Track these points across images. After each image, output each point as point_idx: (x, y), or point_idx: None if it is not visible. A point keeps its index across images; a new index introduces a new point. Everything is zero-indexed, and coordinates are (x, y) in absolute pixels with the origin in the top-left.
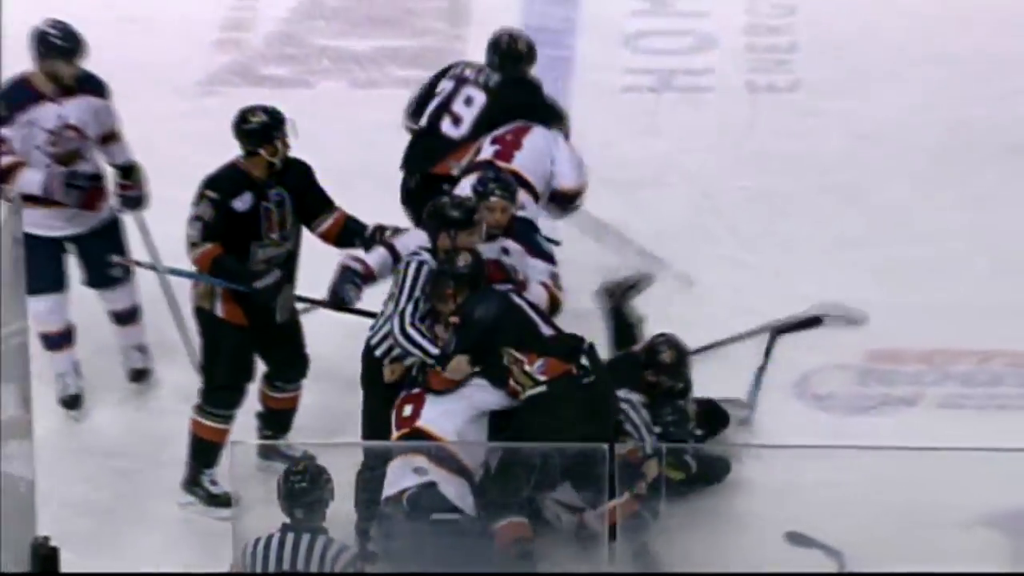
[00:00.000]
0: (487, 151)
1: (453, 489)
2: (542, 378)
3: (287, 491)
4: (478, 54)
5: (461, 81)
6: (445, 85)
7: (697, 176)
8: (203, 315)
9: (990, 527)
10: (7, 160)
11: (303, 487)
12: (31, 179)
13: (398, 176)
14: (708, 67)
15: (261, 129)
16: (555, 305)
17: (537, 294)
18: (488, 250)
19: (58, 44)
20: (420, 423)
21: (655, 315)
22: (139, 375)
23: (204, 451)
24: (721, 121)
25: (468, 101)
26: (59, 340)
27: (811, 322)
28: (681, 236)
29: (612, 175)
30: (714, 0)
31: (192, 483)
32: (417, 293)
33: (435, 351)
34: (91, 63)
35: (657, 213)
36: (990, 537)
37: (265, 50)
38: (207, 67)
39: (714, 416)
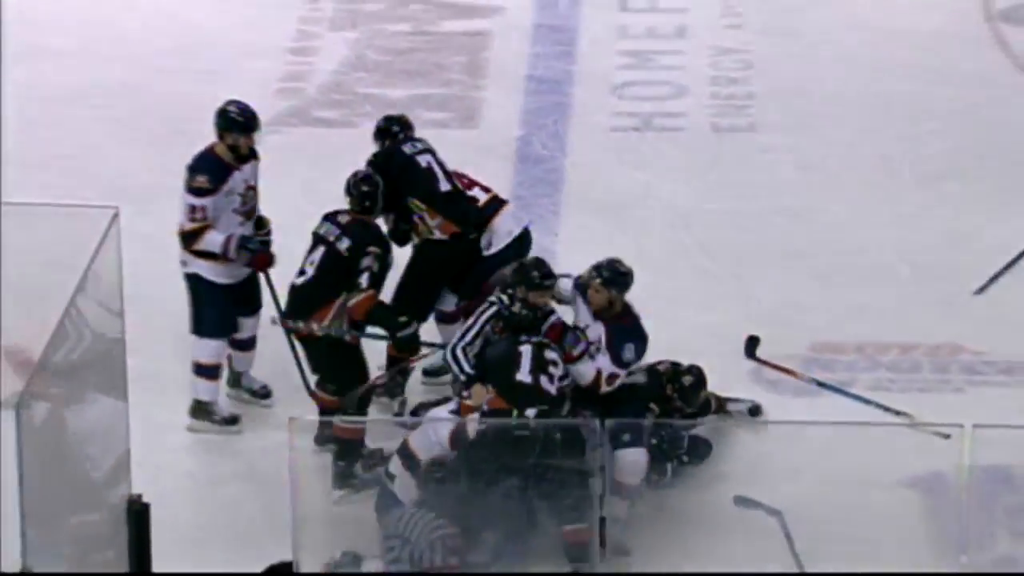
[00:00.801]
0: (481, 195)
1: (401, 484)
2: (485, 407)
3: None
4: (494, 100)
5: (430, 151)
6: (425, 158)
7: (672, 201)
8: (337, 343)
9: (909, 488)
10: (197, 224)
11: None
12: (214, 240)
13: None
14: (681, 111)
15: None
16: (596, 386)
17: (586, 371)
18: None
19: (239, 121)
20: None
21: None
22: (266, 393)
23: (350, 448)
24: (692, 155)
25: (442, 162)
26: (212, 371)
27: None
28: (659, 250)
29: (602, 199)
30: (686, 57)
31: (344, 477)
32: (478, 327)
33: (469, 372)
34: (179, 106)
35: (640, 231)
36: (908, 496)
37: (318, 97)
38: (270, 110)
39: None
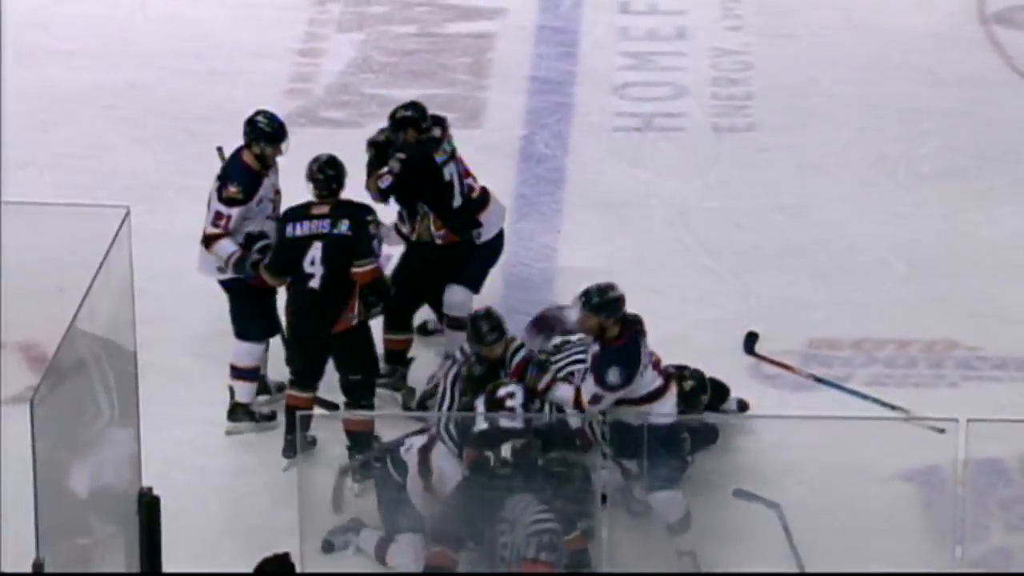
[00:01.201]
0: (474, 184)
1: (412, 482)
2: (465, 463)
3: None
4: (498, 100)
5: (454, 157)
6: (449, 170)
7: (673, 199)
8: (364, 331)
9: (905, 481)
10: (216, 230)
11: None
12: (225, 248)
13: None
14: (682, 111)
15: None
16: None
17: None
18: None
19: (267, 131)
20: None
21: (634, 311)
22: (282, 387)
23: (363, 440)
24: (692, 155)
25: (462, 169)
26: (251, 374)
27: None
28: (660, 247)
29: (605, 198)
30: (687, 58)
31: (362, 470)
32: (449, 392)
33: (456, 449)
34: (189, 106)
35: (640, 229)
36: (905, 489)
37: (325, 98)
38: (279, 110)
39: (715, 392)
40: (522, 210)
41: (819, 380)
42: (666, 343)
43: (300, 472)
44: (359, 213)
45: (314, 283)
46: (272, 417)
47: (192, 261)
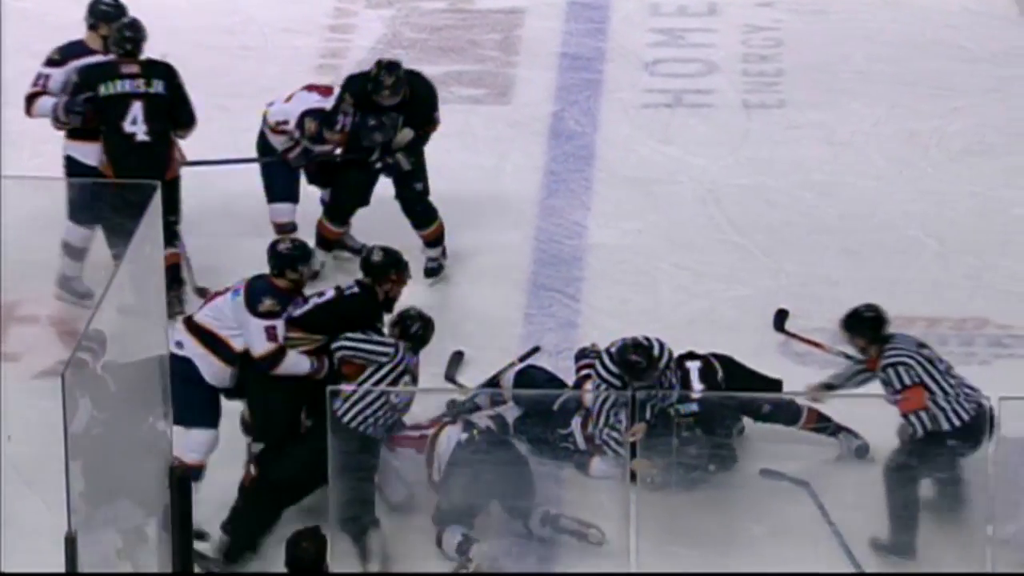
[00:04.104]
0: None
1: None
2: None
3: None
4: (527, 77)
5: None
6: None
7: (702, 176)
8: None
9: None
10: (32, 90)
11: None
12: (45, 105)
13: (464, 170)
14: (712, 88)
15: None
16: None
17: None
18: None
19: (104, 10)
20: None
21: (664, 288)
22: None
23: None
24: (722, 131)
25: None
26: (79, 254)
27: None
28: (689, 224)
29: (634, 175)
30: (717, 34)
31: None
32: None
33: None
34: (220, 81)
35: (670, 205)
36: None
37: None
38: None
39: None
40: (551, 187)
41: (849, 357)
42: (695, 320)
43: (331, 443)
44: (170, 72)
45: (141, 137)
46: (88, 296)
47: (227, 230)
